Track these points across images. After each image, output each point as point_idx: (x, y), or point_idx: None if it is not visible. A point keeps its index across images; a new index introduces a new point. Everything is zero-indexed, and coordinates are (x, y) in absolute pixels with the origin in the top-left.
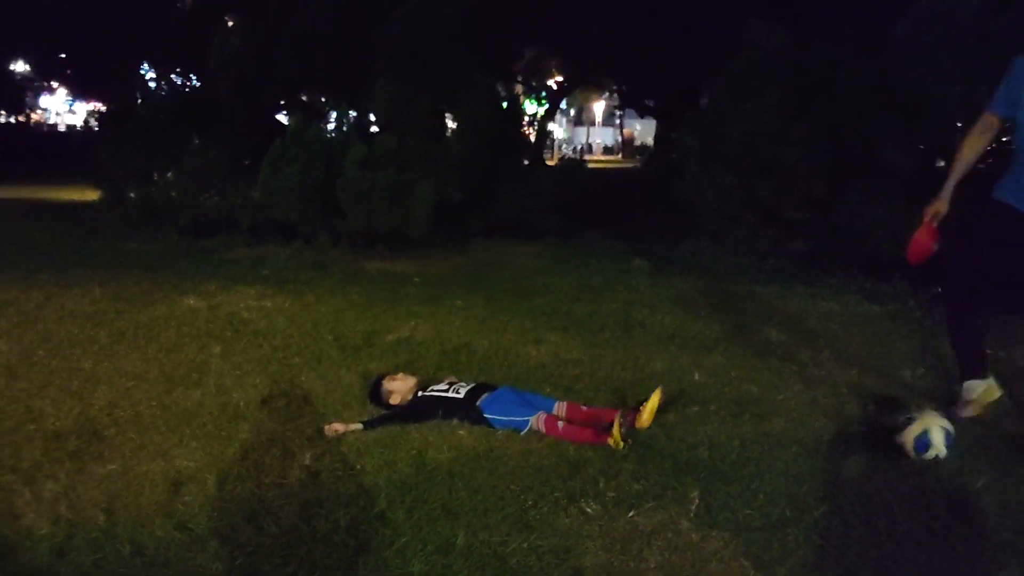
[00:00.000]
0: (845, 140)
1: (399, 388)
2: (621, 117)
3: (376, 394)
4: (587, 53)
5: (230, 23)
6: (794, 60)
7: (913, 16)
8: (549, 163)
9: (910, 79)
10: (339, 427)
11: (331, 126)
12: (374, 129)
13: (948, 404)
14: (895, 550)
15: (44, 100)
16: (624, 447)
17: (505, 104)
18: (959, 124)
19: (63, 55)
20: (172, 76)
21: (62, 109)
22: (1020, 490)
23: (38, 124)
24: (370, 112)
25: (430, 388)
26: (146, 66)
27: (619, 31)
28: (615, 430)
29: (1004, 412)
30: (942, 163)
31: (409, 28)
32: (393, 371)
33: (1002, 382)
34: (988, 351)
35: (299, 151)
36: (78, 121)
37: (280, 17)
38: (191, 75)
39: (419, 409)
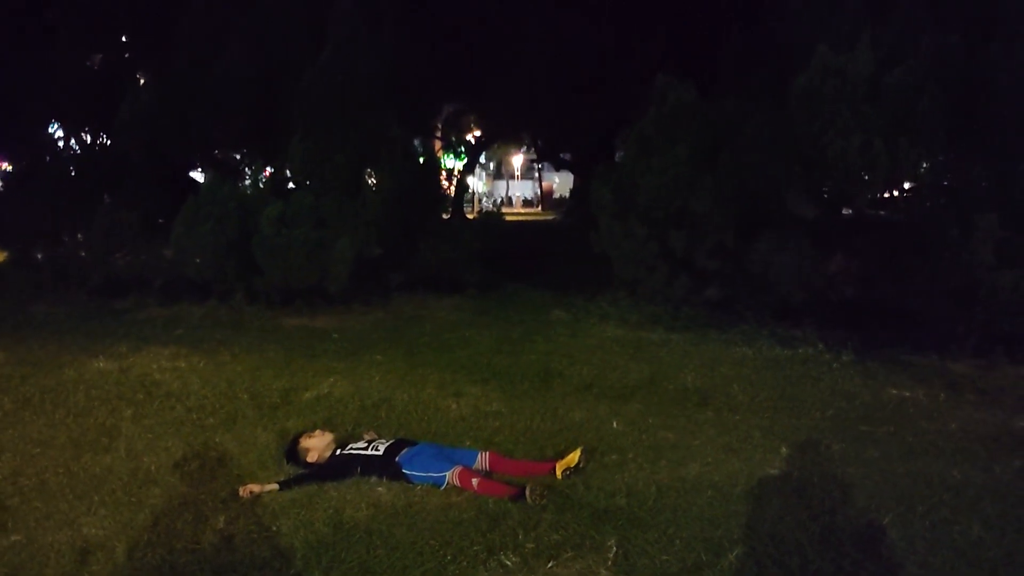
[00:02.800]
0: (752, 190)
1: (316, 445)
2: (540, 170)
3: (293, 453)
4: (502, 108)
5: (141, 80)
6: (702, 114)
7: (811, 71)
8: (469, 216)
9: (811, 131)
10: (255, 488)
11: (247, 183)
12: (291, 186)
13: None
14: None
15: None
16: (544, 501)
17: (422, 159)
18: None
19: None
20: (81, 134)
21: None
22: (924, 524)
23: None
24: (286, 169)
25: (348, 446)
26: (54, 124)
27: (532, 87)
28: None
29: (911, 449)
30: (847, 211)
31: (322, 84)
32: (311, 429)
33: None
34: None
35: (213, 208)
36: None
37: (192, 74)
38: (101, 133)
39: (337, 467)
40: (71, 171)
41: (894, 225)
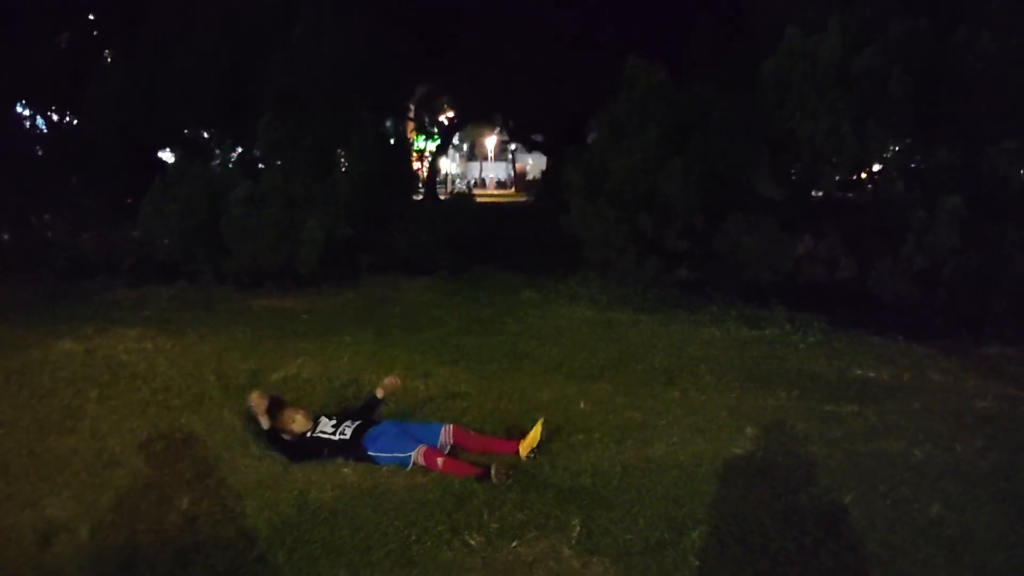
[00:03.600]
0: (722, 173)
1: (297, 424)
2: (513, 152)
3: (274, 410)
4: (473, 89)
5: (109, 59)
6: (672, 97)
7: (780, 55)
8: (442, 198)
9: (780, 114)
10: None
11: (216, 163)
12: (260, 167)
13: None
14: (768, 567)
15: None
16: (508, 481)
17: (393, 140)
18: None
19: None
20: (49, 114)
21: None
22: (886, 503)
23: None
24: (255, 149)
25: (318, 429)
26: (21, 104)
27: (503, 68)
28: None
29: (874, 429)
30: (818, 194)
31: (292, 65)
32: (300, 407)
33: None
34: None
35: (181, 189)
36: None
37: (160, 53)
38: (69, 113)
39: (306, 449)
40: (38, 152)
41: (862, 208)
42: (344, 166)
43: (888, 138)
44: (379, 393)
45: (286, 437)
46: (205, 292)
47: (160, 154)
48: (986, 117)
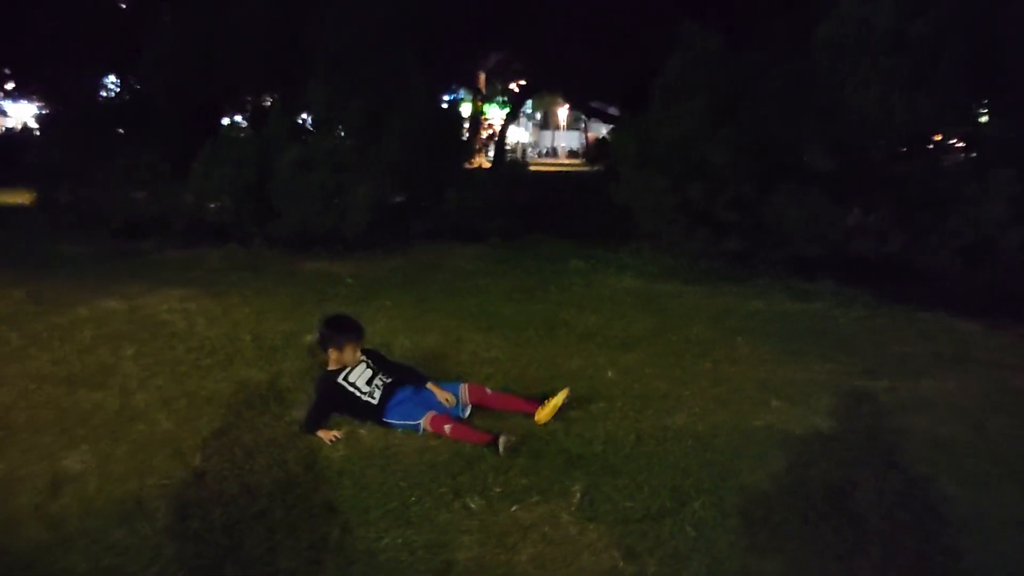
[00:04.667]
0: (771, 142)
1: (346, 359)
2: (586, 121)
3: (329, 339)
4: (539, 55)
5: (164, 22)
6: (723, 64)
7: (832, 21)
8: None
9: (829, 83)
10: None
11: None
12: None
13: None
14: (766, 538)
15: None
16: (513, 452)
17: (446, 106)
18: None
19: None
20: (106, 77)
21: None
22: (900, 479)
23: None
24: (306, 112)
25: (352, 376)
26: (81, 67)
27: (565, 33)
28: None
29: (903, 405)
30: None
31: (343, 28)
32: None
33: None
34: None
35: (231, 151)
36: (18, 123)
37: (215, 16)
38: (125, 76)
39: (336, 400)
40: (95, 113)
41: (913, 180)
42: (394, 131)
43: (941, 108)
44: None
45: (333, 363)
46: (254, 254)
47: (217, 117)
48: None
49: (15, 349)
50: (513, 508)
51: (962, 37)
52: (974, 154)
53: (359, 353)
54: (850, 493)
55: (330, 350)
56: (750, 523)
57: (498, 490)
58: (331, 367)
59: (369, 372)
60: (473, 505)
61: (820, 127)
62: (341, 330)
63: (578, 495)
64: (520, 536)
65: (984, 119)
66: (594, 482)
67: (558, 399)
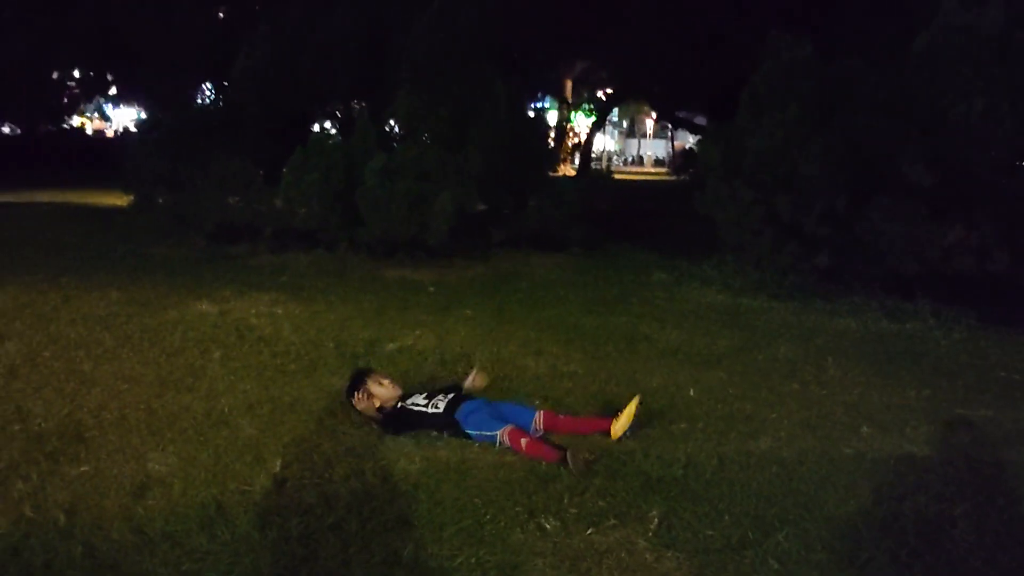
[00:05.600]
0: (866, 155)
1: (383, 395)
2: (673, 130)
3: (355, 388)
4: (625, 63)
5: (259, 34)
6: (815, 73)
7: (934, 29)
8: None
9: (930, 93)
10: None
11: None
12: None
13: (945, 424)
14: None
15: (113, 111)
16: (584, 467)
17: (531, 114)
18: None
19: (100, 66)
20: (202, 85)
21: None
22: (1000, 518)
23: (98, 131)
24: (392, 121)
25: (409, 401)
26: (179, 75)
27: (648, 42)
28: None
29: (1006, 437)
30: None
31: (430, 37)
32: (382, 374)
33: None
34: None
35: (320, 159)
36: (119, 128)
37: (304, 27)
38: (220, 84)
39: (403, 420)
40: (192, 120)
41: (1019, 195)
42: (477, 139)
43: None
44: (466, 384)
45: (375, 405)
46: (340, 260)
47: (309, 125)
48: None
49: (108, 350)
50: (588, 531)
51: None
52: None
53: (390, 382)
54: (947, 531)
55: (360, 396)
56: (836, 559)
57: (573, 511)
58: (380, 406)
59: (426, 392)
60: (548, 526)
61: (920, 139)
62: (351, 380)
63: (656, 520)
64: (595, 561)
65: None
66: (673, 507)
67: (630, 408)
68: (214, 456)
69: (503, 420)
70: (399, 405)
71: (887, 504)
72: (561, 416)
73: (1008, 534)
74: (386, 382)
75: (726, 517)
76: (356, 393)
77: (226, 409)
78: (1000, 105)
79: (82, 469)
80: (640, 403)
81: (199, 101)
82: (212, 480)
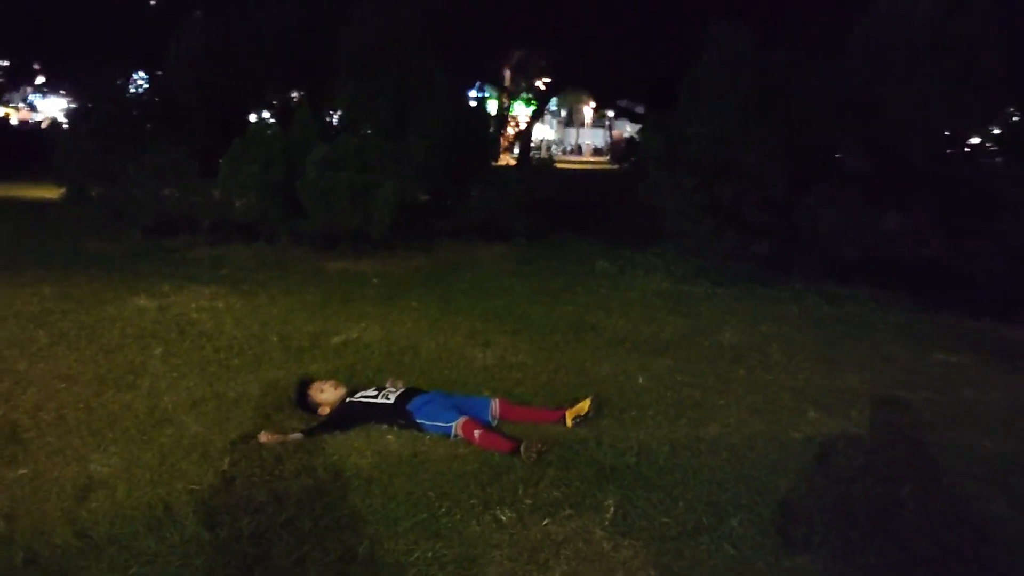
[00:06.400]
0: (805, 142)
1: (328, 400)
2: (611, 119)
3: (303, 400)
4: (563, 52)
5: (193, 21)
6: (754, 62)
7: (870, 18)
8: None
9: (867, 81)
10: (277, 437)
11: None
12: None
13: (888, 406)
14: (809, 560)
15: (41, 100)
16: (536, 457)
17: (473, 103)
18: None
19: (26, 53)
20: (135, 74)
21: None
22: (945, 498)
23: (23, 122)
24: (332, 112)
25: (359, 394)
26: (110, 64)
27: (590, 29)
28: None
29: (946, 418)
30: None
31: (368, 27)
32: (324, 378)
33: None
34: None
35: (259, 150)
36: (47, 118)
37: (241, 16)
38: (154, 73)
39: (349, 416)
40: (125, 110)
41: (953, 182)
42: (419, 129)
43: (982, 108)
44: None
45: (326, 412)
46: (281, 252)
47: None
48: None
49: (43, 348)
50: (545, 522)
51: (1005, 34)
52: (1016, 155)
53: (332, 384)
54: (895, 513)
55: (314, 401)
56: (791, 543)
57: (529, 502)
58: (334, 406)
59: (373, 388)
60: (504, 518)
61: (857, 127)
62: (295, 396)
63: (611, 509)
64: (552, 552)
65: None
66: (628, 495)
67: (583, 406)
68: (159, 455)
69: (458, 411)
70: (347, 400)
71: (837, 488)
72: (518, 407)
73: (952, 513)
74: (327, 386)
75: (680, 504)
76: (306, 405)
77: (169, 407)
78: (933, 93)
79: (20, 472)
80: (595, 401)
81: (132, 90)
82: (158, 480)
